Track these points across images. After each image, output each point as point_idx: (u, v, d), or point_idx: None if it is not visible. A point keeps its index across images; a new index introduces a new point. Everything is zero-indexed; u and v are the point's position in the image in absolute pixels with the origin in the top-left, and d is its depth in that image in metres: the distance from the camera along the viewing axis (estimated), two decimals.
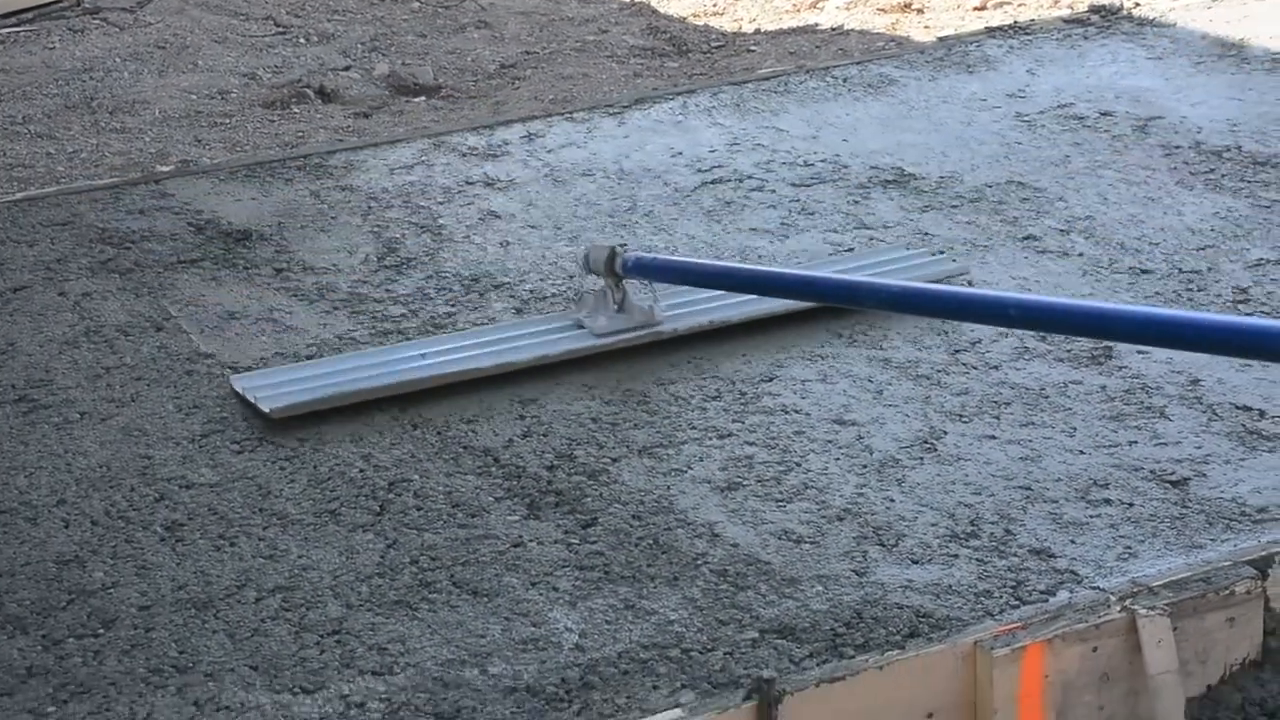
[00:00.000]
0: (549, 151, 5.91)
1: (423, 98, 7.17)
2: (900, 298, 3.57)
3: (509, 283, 4.87)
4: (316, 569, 3.51)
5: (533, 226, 5.29)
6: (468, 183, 5.66)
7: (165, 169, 6.07)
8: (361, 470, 3.88)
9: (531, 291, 4.80)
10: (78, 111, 7.07)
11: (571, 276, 4.80)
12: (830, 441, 3.94)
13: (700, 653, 3.20)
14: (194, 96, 7.25)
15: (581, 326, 4.35)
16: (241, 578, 3.47)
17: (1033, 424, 3.98)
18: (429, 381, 4.11)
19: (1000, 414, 4.02)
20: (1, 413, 4.21)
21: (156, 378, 4.36)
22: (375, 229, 5.30)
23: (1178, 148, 5.64)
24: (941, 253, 4.85)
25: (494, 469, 3.88)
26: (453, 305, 4.73)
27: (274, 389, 4.12)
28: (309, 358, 4.40)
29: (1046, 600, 3.29)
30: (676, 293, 4.43)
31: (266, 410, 4.01)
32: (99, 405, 4.22)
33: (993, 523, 3.58)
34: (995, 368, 4.26)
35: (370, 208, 5.48)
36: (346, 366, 4.22)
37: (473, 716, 3.04)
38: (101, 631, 3.30)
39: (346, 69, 7.50)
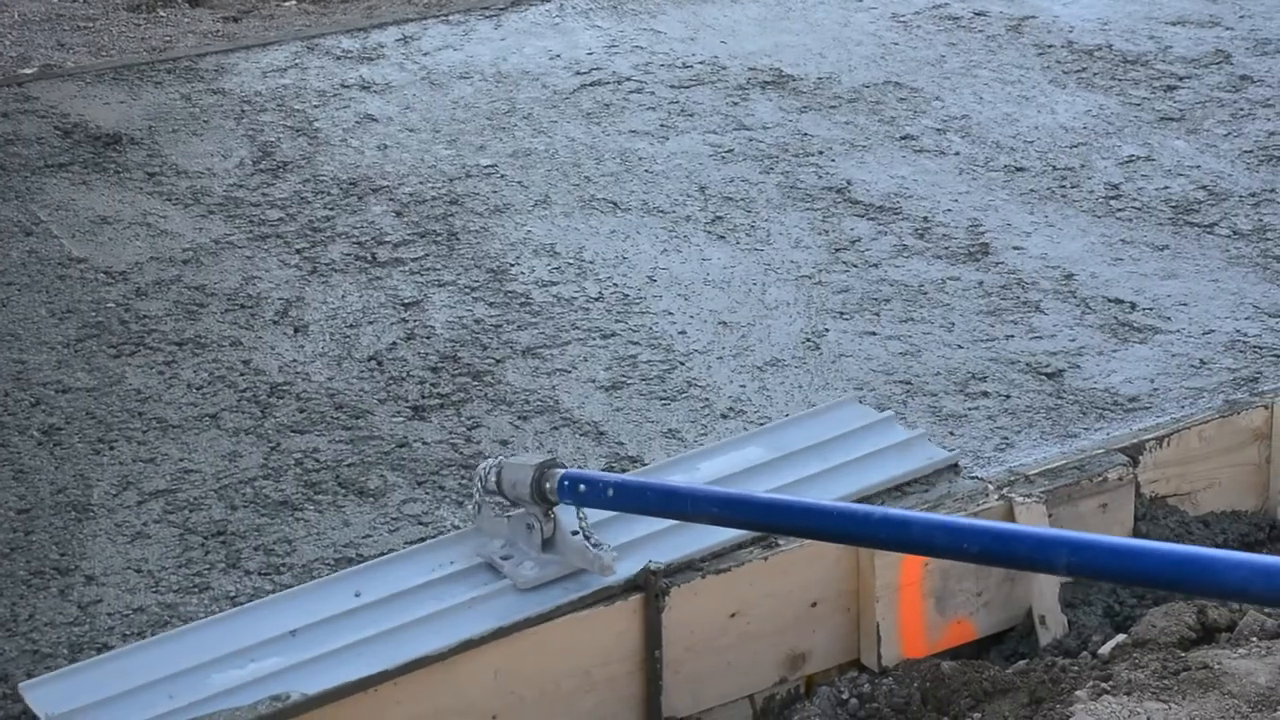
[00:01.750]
0: (425, 54, 5.83)
1: (293, 1, 7.02)
2: (942, 536, 2.59)
3: (388, 186, 4.82)
4: (199, 472, 3.47)
5: (410, 130, 5.23)
6: (343, 86, 5.58)
7: (28, 72, 5.90)
8: (243, 374, 3.83)
9: (411, 194, 4.75)
10: None
11: (453, 202, 4.72)
12: (713, 341, 3.96)
13: None
14: None
15: (494, 568, 3.10)
16: (122, 481, 3.42)
17: (912, 320, 4.03)
18: (296, 711, 2.79)
19: (880, 311, 4.07)
20: None
21: (28, 283, 4.26)
22: (249, 132, 5.20)
23: (1050, 47, 5.71)
24: (908, 423, 3.60)
25: (378, 372, 3.86)
26: (331, 209, 4.67)
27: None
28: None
29: (926, 490, 3.35)
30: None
31: None
32: None
33: None
34: (875, 265, 4.30)
35: (244, 111, 5.37)
36: (189, 664, 2.87)
37: None
38: None
39: None
